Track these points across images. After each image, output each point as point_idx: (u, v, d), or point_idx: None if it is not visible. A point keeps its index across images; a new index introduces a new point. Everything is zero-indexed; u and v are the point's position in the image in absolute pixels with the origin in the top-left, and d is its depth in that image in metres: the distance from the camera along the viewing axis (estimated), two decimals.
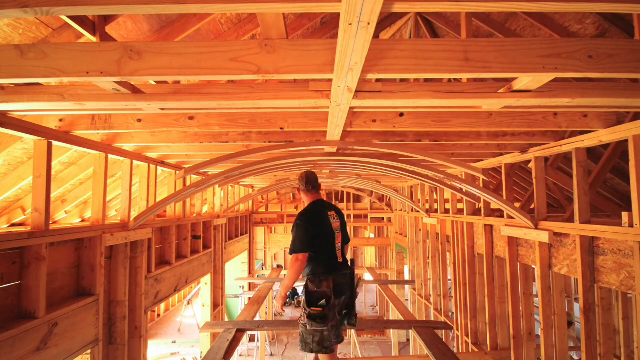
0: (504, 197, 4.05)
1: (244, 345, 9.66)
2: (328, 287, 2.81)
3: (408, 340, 9.60)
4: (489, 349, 4.77)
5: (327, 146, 3.09)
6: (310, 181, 3.12)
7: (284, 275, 12.83)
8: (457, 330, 5.62)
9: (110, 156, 3.33)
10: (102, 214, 3.28)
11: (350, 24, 1.12)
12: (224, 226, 7.49)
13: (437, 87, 1.94)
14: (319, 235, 2.89)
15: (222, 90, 1.98)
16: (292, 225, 2.97)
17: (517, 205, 4.05)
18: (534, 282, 4.11)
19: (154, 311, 12.08)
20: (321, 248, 2.88)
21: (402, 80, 3.12)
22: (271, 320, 9.78)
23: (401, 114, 2.74)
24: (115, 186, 4.26)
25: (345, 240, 3.15)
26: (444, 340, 4.69)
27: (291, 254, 2.82)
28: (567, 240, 3.25)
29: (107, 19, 2.05)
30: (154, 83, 2.34)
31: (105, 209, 3.33)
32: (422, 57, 1.51)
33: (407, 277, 9.64)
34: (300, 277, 2.86)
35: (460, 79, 2.75)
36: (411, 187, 8.49)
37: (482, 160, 4.61)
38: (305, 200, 3.16)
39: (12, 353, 2.30)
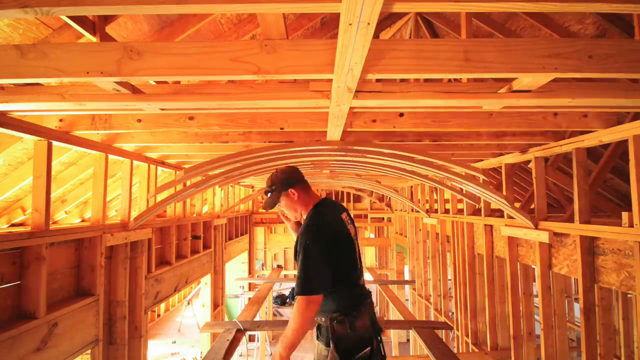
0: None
1: (244, 345, 9.66)
2: (365, 326, 1.94)
3: (408, 340, 9.59)
4: (489, 349, 4.77)
5: (327, 146, 3.09)
6: (295, 175, 2.14)
7: (285, 275, 12.79)
8: (457, 330, 5.62)
9: (110, 156, 3.33)
10: (102, 214, 3.28)
11: (350, 24, 1.12)
12: (224, 226, 7.49)
13: (437, 87, 1.94)
14: (342, 257, 1.96)
15: (222, 90, 1.98)
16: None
17: (517, 205, 4.04)
18: (534, 282, 4.11)
19: (154, 311, 12.08)
20: (346, 274, 1.97)
21: (402, 80, 3.12)
22: (271, 320, 9.77)
23: (401, 114, 2.73)
24: (115, 186, 4.26)
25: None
26: (444, 340, 4.68)
27: (300, 295, 1.82)
28: (567, 240, 3.25)
29: (107, 19, 2.05)
30: (154, 83, 2.34)
31: (105, 209, 3.32)
32: (422, 57, 1.51)
33: (407, 277, 9.64)
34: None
35: (460, 79, 2.75)
36: (411, 187, 8.48)
37: (482, 160, 4.60)
38: (299, 206, 2.10)
39: (12, 353, 2.30)
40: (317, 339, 2.00)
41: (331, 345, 1.87)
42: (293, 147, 3.09)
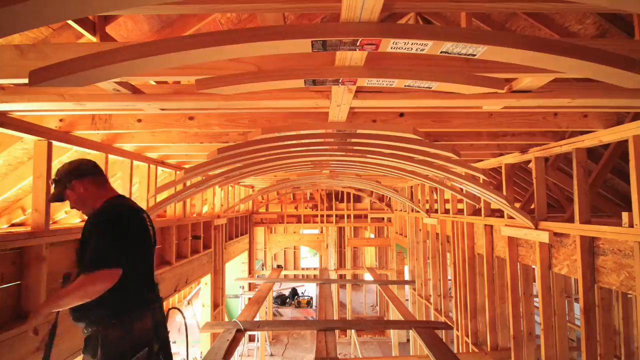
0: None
1: (244, 345, 9.66)
2: (145, 330, 1.88)
3: (408, 340, 9.59)
4: (489, 349, 4.76)
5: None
6: (85, 166, 2.01)
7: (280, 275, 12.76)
8: (457, 330, 5.62)
9: (110, 156, 3.33)
10: None
11: None
12: (224, 226, 7.49)
13: None
14: (137, 248, 1.90)
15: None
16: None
17: (517, 205, 4.04)
18: (534, 282, 4.11)
19: None
20: (137, 270, 1.88)
21: None
22: (271, 320, 9.77)
23: (401, 114, 2.74)
24: (115, 186, 4.25)
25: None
26: (444, 340, 4.68)
27: (94, 268, 1.70)
28: (567, 240, 3.25)
29: (107, 19, 2.05)
30: (154, 83, 2.34)
31: None
32: (422, 57, 1.51)
33: (407, 277, 9.64)
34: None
35: None
36: (411, 187, 8.48)
37: (482, 160, 4.60)
38: (89, 200, 1.96)
39: (12, 353, 2.30)
40: (84, 352, 1.93)
41: (99, 353, 1.81)
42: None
